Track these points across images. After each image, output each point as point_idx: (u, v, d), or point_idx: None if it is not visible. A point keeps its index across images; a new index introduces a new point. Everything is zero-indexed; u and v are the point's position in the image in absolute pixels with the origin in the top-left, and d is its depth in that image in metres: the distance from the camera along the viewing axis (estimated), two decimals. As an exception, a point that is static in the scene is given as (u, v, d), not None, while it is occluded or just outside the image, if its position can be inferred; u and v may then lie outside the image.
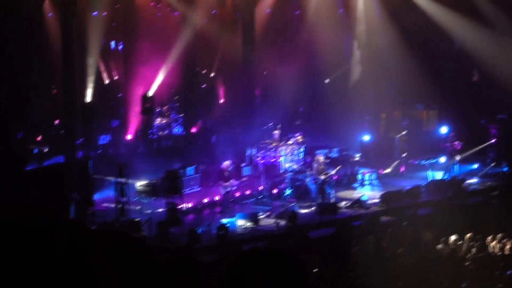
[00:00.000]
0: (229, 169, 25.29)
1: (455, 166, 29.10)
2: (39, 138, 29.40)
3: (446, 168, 29.24)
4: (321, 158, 26.34)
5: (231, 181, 25.06)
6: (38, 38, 28.53)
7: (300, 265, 2.78)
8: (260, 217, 23.76)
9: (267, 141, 28.83)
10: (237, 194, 25.94)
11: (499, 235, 19.90)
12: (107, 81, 33.55)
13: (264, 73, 35.08)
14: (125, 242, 1.99)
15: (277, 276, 2.74)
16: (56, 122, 31.06)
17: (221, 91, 36.18)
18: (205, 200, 25.62)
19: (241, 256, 2.81)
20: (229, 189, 24.97)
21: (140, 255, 2.01)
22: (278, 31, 35.99)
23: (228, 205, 25.05)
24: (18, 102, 25.61)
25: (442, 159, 29.62)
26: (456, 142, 28.97)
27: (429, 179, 28.46)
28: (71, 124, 28.05)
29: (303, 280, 2.79)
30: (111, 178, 24.50)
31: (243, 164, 27.88)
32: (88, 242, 1.78)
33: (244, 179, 26.25)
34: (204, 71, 35.49)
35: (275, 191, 27.03)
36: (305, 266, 2.82)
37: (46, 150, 28.28)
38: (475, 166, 30.70)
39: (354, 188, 28.75)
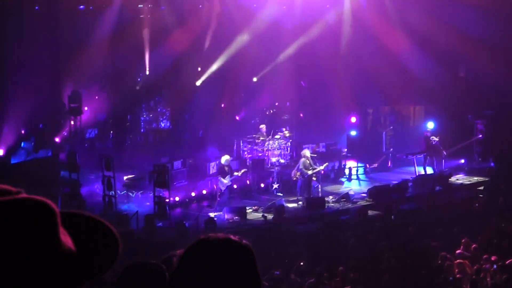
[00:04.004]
0: (228, 164, 25.02)
1: (442, 161, 29.11)
2: (23, 132, 29.12)
3: (433, 163, 29.24)
4: (308, 152, 26.23)
5: (233, 174, 24.65)
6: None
7: (250, 251, 2.80)
8: (247, 211, 23.75)
9: (254, 135, 28.84)
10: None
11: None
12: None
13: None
14: (89, 222, 1.95)
15: (225, 263, 2.77)
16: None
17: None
18: (193, 194, 25.57)
19: (191, 245, 2.82)
20: (230, 184, 24.68)
21: (105, 235, 1.96)
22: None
23: (227, 202, 24.57)
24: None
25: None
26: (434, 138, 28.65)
27: (416, 173, 28.46)
28: (58, 118, 27.95)
29: (252, 266, 2.81)
30: (98, 172, 24.47)
31: (231, 159, 27.78)
32: (52, 222, 1.74)
33: (243, 170, 25.88)
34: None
35: (262, 185, 27.02)
36: (252, 251, 2.83)
37: (32, 143, 28.14)
38: (462, 161, 30.77)
39: (341, 183, 28.78)
